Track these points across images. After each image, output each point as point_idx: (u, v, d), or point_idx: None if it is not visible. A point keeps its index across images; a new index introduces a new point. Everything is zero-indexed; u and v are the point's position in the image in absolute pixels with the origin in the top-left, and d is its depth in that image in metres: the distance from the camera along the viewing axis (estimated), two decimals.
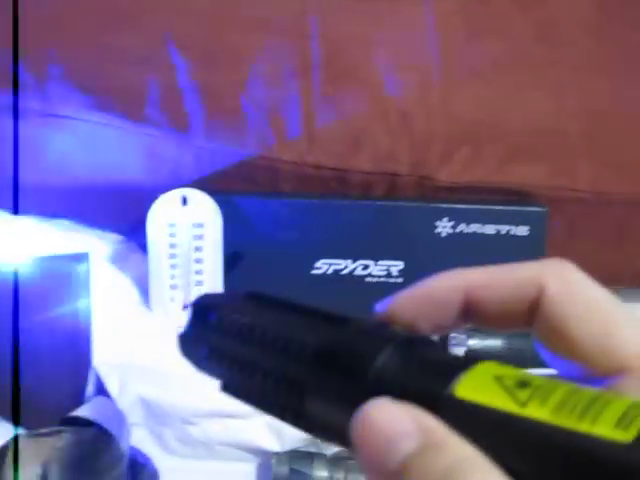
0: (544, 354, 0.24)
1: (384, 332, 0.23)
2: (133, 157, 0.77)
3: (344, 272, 0.73)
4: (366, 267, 0.73)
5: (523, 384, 0.20)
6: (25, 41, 0.74)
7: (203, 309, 0.28)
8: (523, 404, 0.19)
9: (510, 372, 0.21)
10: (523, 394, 0.19)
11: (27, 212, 0.80)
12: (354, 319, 0.24)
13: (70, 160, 0.74)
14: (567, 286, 0.23)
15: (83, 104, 0.75)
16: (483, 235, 0.74)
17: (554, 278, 0.23)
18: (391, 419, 0.20)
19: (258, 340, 0.25)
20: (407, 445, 0.19)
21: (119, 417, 0.54)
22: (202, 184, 0.73)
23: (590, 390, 0.19)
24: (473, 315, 0.25)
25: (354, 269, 0.73)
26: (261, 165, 0.76)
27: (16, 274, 0.50)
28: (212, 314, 0.27)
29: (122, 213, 0.79)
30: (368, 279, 0.73)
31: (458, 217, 0.73)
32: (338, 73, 0.78)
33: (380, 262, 0.73)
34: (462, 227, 0.74)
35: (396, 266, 0.73)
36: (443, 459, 0.19)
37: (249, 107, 0.77)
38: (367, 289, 0.73)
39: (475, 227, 0.74)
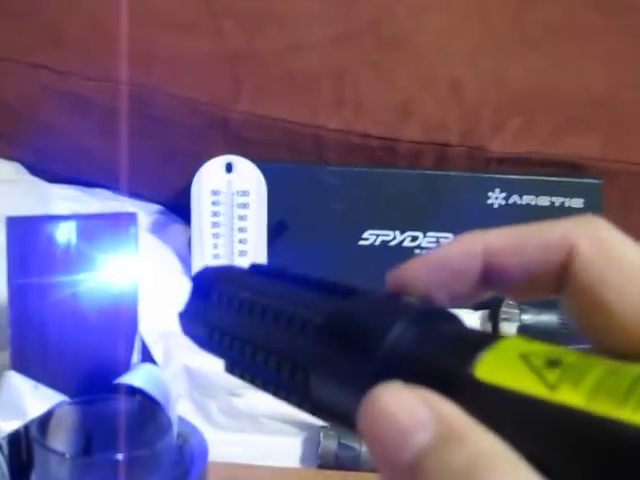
0: (576, 325, 0.21)
1: (396, 304, 0.21)
2: (177, 121, 0.75)
3: (392, 243, 0.71)
4: (415, 238, 0.71)
5: (553, 363, 0.17)
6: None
7: (203, 284, 0.26)
8: (553, 387, 0.17)
9: (538, 349, 0.18)
10: (553, 375, 0.17)
11: (65, 181, 0.79)
12: (362, 290, 0.22)
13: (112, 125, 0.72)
14: (601, 247, 0.20)
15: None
16: (537, 207, 0.71)
17: (586, 238, 0.20)
18: (404, 407, 0.17)
19: (259, 317, 0.23)
20: (422, 437, 0.17)
21: (165, 386, 0.52)
22: (247, 152, 0.71)
23: (632, 369, 0.16)
24: (494, 282, 0.22)
25: (402, 240, 0.71)
26: (307, 133, 0.74)
27: (60, 232, 0.48)
28: (213, 290, 0.25)
29: (165, 180, 0.78)
30: (417, 251, 0.71)
31: (511, 188, 0.71)
32: (387, 39, 0.75)
33: (429, 234, 0.71)
34: (515, 198, 0.71)
35: (446, 238, 0.71)
36: (463, 452, 0.16)
37: (295, 74, 0.74)
38: None
39: (528, 199, 0.71)
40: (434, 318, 0.20)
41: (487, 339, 0.18)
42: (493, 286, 0.22)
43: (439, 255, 0.22)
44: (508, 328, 0.68)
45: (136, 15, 0.74)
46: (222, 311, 0.25)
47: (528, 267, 0.21)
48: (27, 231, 0.47)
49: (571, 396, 0.16)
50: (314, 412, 0.21)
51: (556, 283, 0.21)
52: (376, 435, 0.17)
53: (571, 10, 0.78)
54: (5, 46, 0.75)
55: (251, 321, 0.23)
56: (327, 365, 0.21)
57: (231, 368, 0.25)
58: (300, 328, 0.22)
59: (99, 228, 0.49)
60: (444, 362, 0.19)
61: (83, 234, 0.48)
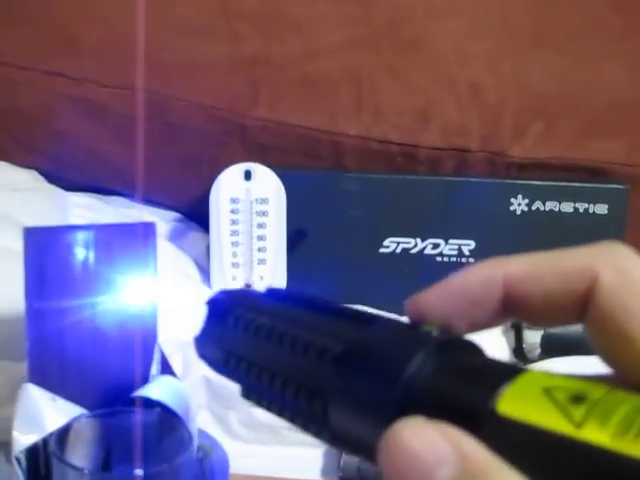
0: (599, 353, 0.20)
1: (415, 334, 0.21)
2: (195, 128, 0.74)
3: (413, 251, 0.70)
4: (436, 246, 0.70)
5: (578, 399, 0.17)
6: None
7: (219, 308, 0.26)
8: (579, 425, 0.16)
9: (562, 383, 0.17)
10: (578, 412, 0.16)
11: (81, 189, 0.79)
12: (381, 319, 0.22)
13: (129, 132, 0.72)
14: (624, 276, 0.20)
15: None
16: (560, 213, 0.70)
17: (608, 267, 0.20)
18: (425, 443, 0.17)
19: (276, 343, 0.23)
20: (444, 473, 0.17)
21: (185, 398, 0.51)
22: (266, 158, 0.70)
23: None
24: (515, 311, 0.21)
25: (424, 248, 0.70)
26: (325, 139, 0.73)
27: (78, 243, 0.47)
28: (228, 314, 0.25)
29: (183, 188, 0.77)
30: (438, 258, 0.70)
31: (534, 194, 0.70)
32: (405, 42, 0.74)
33: (451, 241, 0.70)
34: (538, 205, 0.70)
35: (467, 245, 0.70)
36: None
37: (313, 79, 0.73)
38: (438, 269, 0.69)
39: (552, 205, 0.70)
40: (454, 349, 0.20)
41: (509, 372, 0.18)
42: (513, 314, 0.22)
43: (458, 283, 0.22)
44: (532, 337, 0.67)
45: (151, 21, 0.73)
46: (238, 336, 0.24)
47: (549, 295, 0.21)
48: (44, 243, 0.47)
49: (598, 434, 0.16)
50: (332, 441, 0.21)
51: (578, 311, 0.20)
52: (398, 471, 0.17)
53: (591, 12, 0.77)
54: (21, 54, 0.75)
55: (268, 347, 0.23)
56: (346, 395, 0.20)
57: (247, 393, 0.24)
58: (318, 356, 0.21)
59: (117, 239, 0.48)
60: (465, 396, 0.18)
61: (101, 245, 0.47)
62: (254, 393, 0.24)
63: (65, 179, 0.78)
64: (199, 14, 0.74)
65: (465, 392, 0.19)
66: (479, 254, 0.70)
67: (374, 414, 0.19)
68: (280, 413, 0.23)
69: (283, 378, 0.22)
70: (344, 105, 0.73)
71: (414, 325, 0.21)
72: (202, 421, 0.60)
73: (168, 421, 0.50)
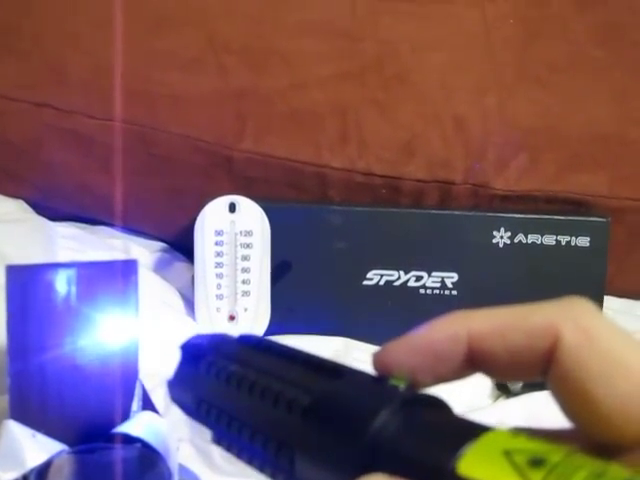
0: (561, 409, 0.21)
1: (382, 390, 0.21)
2: (181, 160, 0.75)
3: (397, 283, 0.70)
4: (419, 278, 0.70)
5: (537, 462, 0.17)
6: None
7: (193, 353, 0.26)
8: None
9: (523, 445, 0.18)
10: (537, 476, 0.16)
11: (68, 218, 0.79)
12: (349, 371, 0.22)
13: (115, 164, 0.72)
14: (585, 336, 0.20)
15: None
16: (542, 246, 0.70)
17: (570, 325, 0.20)
18: None
19: (247, 392, 0.23)
20: None
21: (166, 434, 0.51)
22: (251, 190, 0.71)
23: (617, 471, 0.16)
24: (479, 365, 0.22)
25: (407, 280, 0.70)
26: (310, 172, 0.73)
27: (60, 281, 0.48)
28: (201, 359, 0.25)
29: (168, 219, 0.77)
30: (422, 291, 0.70)
31: (516, 227, 0.70)
32: (391, 77, 0.75)
33: (434, 273, 0.70)
34: (520, 237, 0.70)
35: (451, 278, 0.70)
36: None
37: (299, 112, 0.74)
38: (421, 301, 0.70)
39: (534, 237, 0.70)
40: (421, 405, 0.20)
41: (472, 431, 0.18)
42: (478, 368, 0.22)
43: (423, 339, 0.22)
44: None
45: (139, 54, 0.74)
46: (210, 383, 0.25)
47: (513, 352, 0.21)
48: (27, 280, 0.47)
49: None
50: None
51: (541, 368, 0.21)
52: None
53: (576, 46, 0.78)
54: (9, 85, 0.76)
55: (238, 396, 0.23)
56: (312, 448, 0.21)
57: (218, 440, 0.25)
58: (287, 408, 0.22)
59: (99, 276, 0.48)
60: (427, 455, 0.19)
61: (83, 283, 0.48)
62: (224, 440, 0.25)
63: (52, 209, 0.78)
64: (186, 47, 0.75)
65: (427, 451, 0.19)
66: (462, 286, 0.70)
67: (338, 469, 0.20)
68: (249, 461, 0.23)
69: (252, 428, 0.23)
70: (329, 138, 0.74)
71: (382, 379, 0.22)
72: (185, 455, 0.59)
73: (148, 457, 0.50)
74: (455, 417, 0.21)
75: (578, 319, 0.20)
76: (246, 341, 0.26)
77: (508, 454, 0.17)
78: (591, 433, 0.20)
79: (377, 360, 0.22)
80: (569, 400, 0.20)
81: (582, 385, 0.20)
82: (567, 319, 0.20)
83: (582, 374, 0.20)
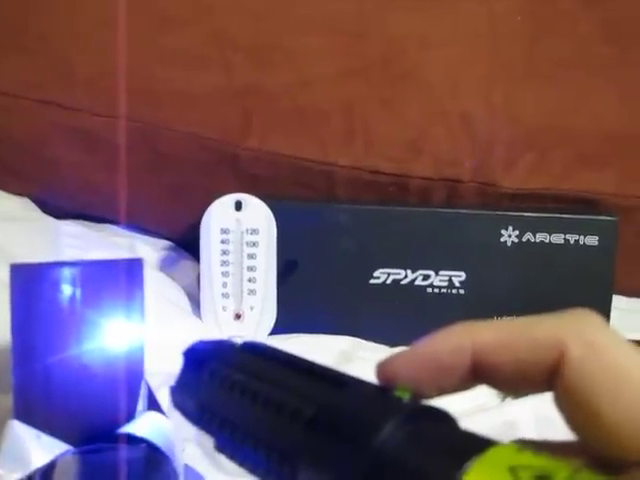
0: (567, 422, 0.20)
1: (387, 401, 0.21)
2: (186, 158, 0.74)
3: (404, 282, 0.70)
4: (427, 277, 0.70)
5: (542, 479, 0.17)
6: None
7: (196, 359, 0.26)
8: None
9: (529, 461, 0.17)
10: None
11: (73, 216, 0.79)
12: (353, 381, 0.22)
13: (120, 162, 0.72)
14: (591, 350, 0.20)
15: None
16: (551, 244, 0.70)
17: (576, 339, 0.20)
18: None
19: (250, 401, 0.23)
20: None
21: (172, 434, 0.51)
22: (257, 188, 0.71)
23: None
24: (484, 378, 0.22)
25: (414, 279, 0.70)
26: (317, 170, 0.73)
27: (65, 279, 0.47)
28: (205, 367, 0.25)
29: (174, 217, 0.77)
30: (429, 290, 0.70)
31: (524, 226, 0.70)
32: (397, 74, 0.75)
33: (441, 272, 0.70)
34: (528, 236, 0.70)
35: (458, 276, 0.70)
36: None
37: (305, 109, 0.74)
38: (428, 300, 0.69)
39: (542, 236, 0.70)
40: (426, 418, 0.20)
41: (478, 445, 0.18)
42: (482, 380, 0.22)
43: (427, 350, 0.22)
44: None
45: (145, 51, 0.74)
46: (213, 391, 0.25)
47: (518, 365, 0.21)
48: (31, 279, 0.47)
49: None
50: None
51: (547, 381, 0.20)
52: None
53: (583, 43, 0.78)
54: (14, 82, 0.75)
55: (242, 405, 0.23)
56: (316, 459, 0.20)
57: (221, 447, 0.25)
58: (291, 418, 0.21)
59: (105, 275, 0.48)
60: (432, 470, 0.18)
61: (88, 282, 0.47)
62: (227, 448, 0.24)
63: (57, 207, 0.78)
64: (192, 44, 0.74)
65: (432, 465, 0.18)
66: (470, 285, 0.70)
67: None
68: (252, 471, 0.23)
69: (255, 437, 0.23)
70: (336, 135, 0.73)
71: (386, 390, 0.22)
72: (191, 455, 0.59)
73: (154, 458, 0.50)
74: (460, 430, 0.20)
75: (584, 332, 0.20)
76: (250, 349, 0.26)
77: (513, 470, 0.17)
78: (596, 447, 0.20)
79: (381, 371, 0.22)
80: (574, 413, 0.20)
81: (587, 399, 0.19)
82: (573, 332, 0.20)
83: (587, 388, 0.20)
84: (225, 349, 0.26)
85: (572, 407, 0.20)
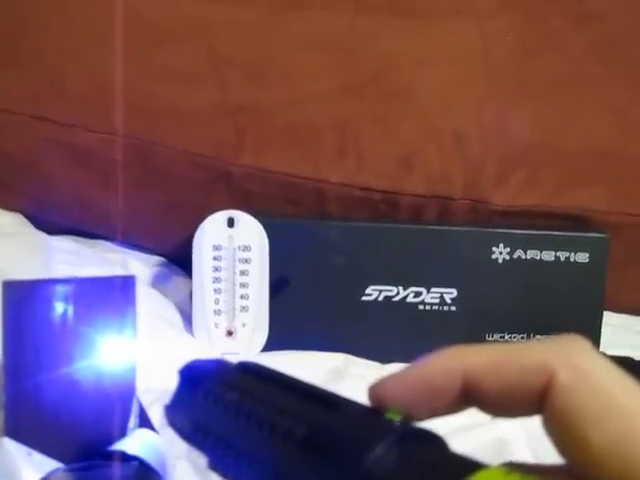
0: (555, 446, 0.21)
1: (378, 423, 0.21)
2: (179, 174, 0.75)
3: (395, 299, 0.70)
4: (418, 294, 0.70)
5: None
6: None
7: (191, 378, 0.26)
8: None
9: None
10: None
11: (66, 232, 0.79)
12: (346, 402, 0.22)
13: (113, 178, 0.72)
14: (579, 375, 0.20)
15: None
16: (542, 261, 0.70)
17: (564, 364, 0.20)
18: None
19: (244, 421, 0.23)
20: None
21: (163, 451, 0.51)
22: (249, 205, 0.71)
23: None
24: (474, 401, 0.22)
25: (406, 296, 0.70)
26: (309, 187, 0.73)
27: (57, 296, 0.47)
28: (199, 386, 0.25)
29: (167, 233, 0.77)
30: (420, 307, 0.70)
31: (515, 243, 0.70)
32: (390, 92, 0.75)
33: (433, 289, 0.70)
34: (519, 253, 0.70)
35: (450, 294, 0.70)
36: None
37: (298, 127, 0.74)
38: (420, 317, 0.69)
39: (533, 253, 0.70)
40: (417, 440, 0.20)
41: (467, 468, 0.18)
42: (473, 403, 0.22)
43: (419, 373, 0.22)
44: None
45: (138, 68, 0.74)
46: (208, 409, 0.25)
47: (508, 389, 0.21)
48: (23, 296, 0.47)
49: None
50: None
51: (535, 405, 0.21)
52: None
53: (575, 62, 0.78)
54: (7, 98, 0.76)
55: (236, 424, 0.23)
56: (308, 479, 0.21)
57: (214, 466, 0.25)
58: (283, 438, 0.22)
59: (97, 292, 0.48)
60: None
61: (80, 298, 0.47)
62: (220, 466, 0.24)
63: (50, 223, 0.78)
64: (187, 61, 0.75)
65: None
66: (461, 302, 0.70)
67: None
68: None
69: (249, 457, 0.23)
70: (328, 152, 0.74)
71: (377, 412, 0.22)
72: (182, 472, 0.59)
73: (145, 475, 0.50)
74: (450, 452, 0.21)
75: (572, 358, 0.21)
76: (245, 368, 0.26)
77: None
78: (583, 471, 0.20)
79: (373, 393, 0.22)
80: (562, 437, 0.20)
81: (574, 423, 0.20)
82: (561, 357, 0.21)
83: (575, 413, 0.20)
84: (220, 368, 0.27)
85: (560, 431, 0.20)
